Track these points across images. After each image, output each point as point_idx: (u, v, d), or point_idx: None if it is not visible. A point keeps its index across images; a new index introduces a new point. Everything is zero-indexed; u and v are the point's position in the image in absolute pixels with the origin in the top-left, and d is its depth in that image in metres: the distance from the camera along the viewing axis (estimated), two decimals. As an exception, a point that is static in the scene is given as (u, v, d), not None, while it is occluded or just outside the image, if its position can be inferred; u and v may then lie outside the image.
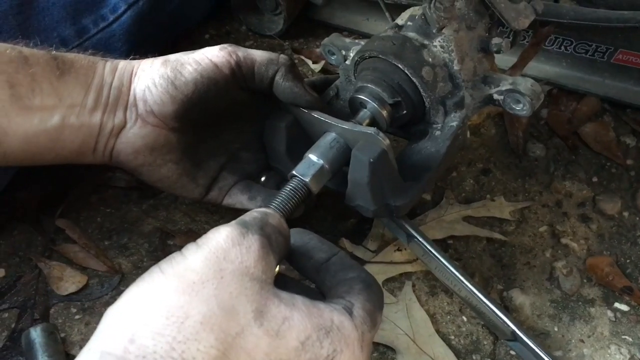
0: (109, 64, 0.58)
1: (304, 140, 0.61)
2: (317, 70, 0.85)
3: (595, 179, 0.75)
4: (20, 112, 0.52)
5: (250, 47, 0.89)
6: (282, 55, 0.59)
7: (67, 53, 0.56)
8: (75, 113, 0.55)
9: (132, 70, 0.57)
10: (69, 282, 0.63)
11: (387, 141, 0.56)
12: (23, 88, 0.52)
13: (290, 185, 0.56)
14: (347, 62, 0.64)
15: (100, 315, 0.60)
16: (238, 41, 0.89)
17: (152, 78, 0.56)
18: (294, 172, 0.57)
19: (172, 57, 0.57)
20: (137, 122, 0.57)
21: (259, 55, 0.58)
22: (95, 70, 0.56)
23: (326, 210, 0.70)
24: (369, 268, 0.66)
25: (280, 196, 0.55)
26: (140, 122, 0.57)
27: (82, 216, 0.68)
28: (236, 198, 0.62)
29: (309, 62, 0.86)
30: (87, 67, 0.56)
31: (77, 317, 0.61)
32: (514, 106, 0.58)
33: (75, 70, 0.55)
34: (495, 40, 0.60)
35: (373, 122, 0.60)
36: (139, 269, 0.65)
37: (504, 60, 0.80)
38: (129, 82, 0.57)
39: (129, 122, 0.57)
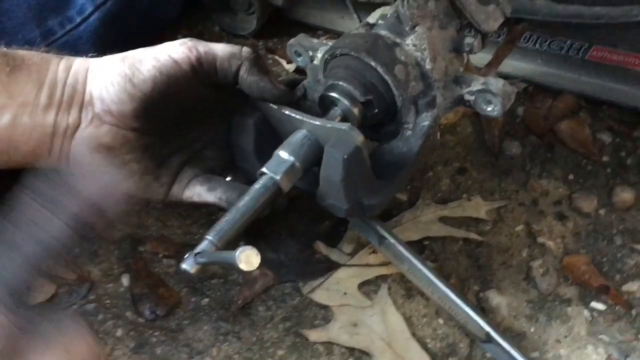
0: (64, 61, 0.56)
1: (273, 138, 0.60)
2: (291, 71, 0.84)
3: (571, 177, 0.75)
4: None
5: (224, 47, 0.88)
6: (245, 48, 0.57)
7: (19, 50, 0.54)
8: (27, 112, 0.53)
9: (88, 68, 0.55)
10: (37, 291, 0.61)
11: (362, 137, 0.55)
12: None
13: (260, 183, 0.55)
14: (315, 62, 0.63)
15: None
16: (211, 41, 0.87)
17: (109, 76, 0.54)
18: (263, 169, 0.56)
19: (131, 53, 0.56)
20: (93, 122, 0.55)
21: (220, 49, 0.56)
22: (48, 67, 0.54)
23: (300, 212, 0.69)
24: (344, 271, 0.65)
25: (248, 195, 0.54)
26: (96, 121, 0.55)
27: (50, 223, 0.67)
28: (194, 190, 0.59)
29: (283, 62, 0.85)
30: (39, 64, 0.54)
31: (44, 327, 0.59)
32: (484, 107, 0.57)
33: (26, 67, 0.53)
34: (468, 40, 0.59)
35: (344, 121, 0.59)
36: (109, 277, 0.63)
37: (479, 57, 0.79)
38: (84, 80, 0.55)
39: (83, 122, 0.55)
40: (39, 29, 0.70)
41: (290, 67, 0.84)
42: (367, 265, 0.66)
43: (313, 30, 0.89)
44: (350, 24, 0.87)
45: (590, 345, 0.61)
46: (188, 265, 0.50)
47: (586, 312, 0.63)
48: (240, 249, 0.45)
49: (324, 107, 0.60)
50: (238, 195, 0.56)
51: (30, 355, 0.41)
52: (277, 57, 0.86)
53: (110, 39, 0.74)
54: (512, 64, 0.81)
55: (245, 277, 0.63)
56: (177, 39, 0.86)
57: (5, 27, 0.68)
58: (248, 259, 0.45)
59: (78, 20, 0.72)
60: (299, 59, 0.66)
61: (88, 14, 0.72)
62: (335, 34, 0.88)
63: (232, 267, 0.46)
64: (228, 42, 0.88)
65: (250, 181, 0.58)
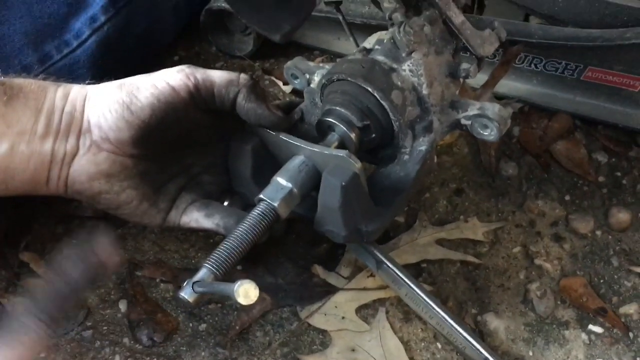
0: (61, 88, 0.56)
1: (270, 163, 0.60)
2: (288, 92, 0.84)
3: (567, 198, 0.75)
4: None
5: (221, 68, 0.88)
6: (242, 75, 0.57)
7: (15, 78, 0.55)
8: (25, 140, 0.53)
9: (86, 95, 0.56)
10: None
11: (359, 164, 0.55)
12: None
13: (258, 210, 0.55)
14: (312, 85, 0.63)
15: (67, 353, 0.59)
16: (208, 62, 0.88)
17: (107, 103, 0.54)
18: (261, 195, 0.56)
19: (128, 80, 0.56)
20: (90, 149, 0.55)
21: (218, 76, 0.56)
22: (45, 95, 0.54)
23: (298, 236, 0.69)
24: (342, 295, 0.65)
25: (246, 222, 0.54)
26: (94, 148, 0.55)
27: (48, 248, 0.67)
28: (192, 215, 0.60)
29: (280, 83, 0.85)
30: (37, 91, 0.54)
31: (41, 355, 0.59)
32: (481, 131, 0.58)
33: (24, 96, 0.53)
34: (464, 65, 0.60)
35: (342, 146, 0.59)
36: (106, 303, 0.63)
37: (475, 78, 0.79)
38: (82, 108, 0.55)
39: (81, 149, 0.55)
40: (36, 53, 0.70)
41: (287, 89, 0.84)
42: (365, 289, 0.65)
43: (309, 51, 0.89)
44: (346, 45, 0.87)
45: (589, 368, 0.61)
46: (187, 294, 0.50)
47: (584, 335, 0.63)
48: (238, 283, 0.45)
49: (321, 131, 0.60)
50: (236, 222, 0.56)
51: None
52: (273, 78, 0.86)
53: (108, 62, 0.74)
54: (508, 85, 0.82)
55: (243, 302, 0.63)
56: (174, 60, 0.88)
57: (1, 52, 0.68)
58: (246, 292, 0.45)
59: (75, 44, 0.72)
60: (295, 82, 0.66)
61: (85, 37, 0.72)
62: (331, 55, 0.89)
63: (230, 299, 0.46)
64: (225, 62, 0.89)
65: (248, 205, 0.58)
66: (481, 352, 0.57)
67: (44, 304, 0.43)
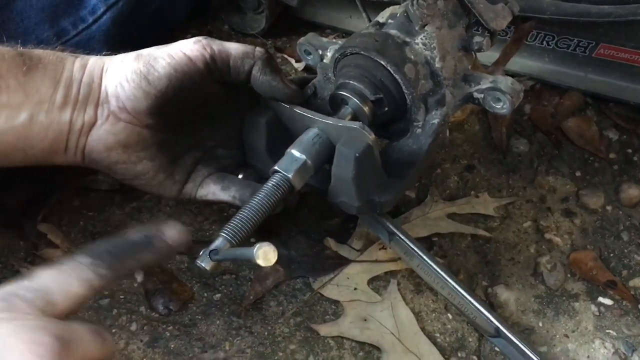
0: (79, 60, 0.57)
1: (284, 137, 0.61)
2: (300, 69, 0.85)
3: (578, 174, 0.75)
4: None
5: (233, 46, 0.89)
6: (258, 48, 0.58)
7: (34, 49, 0.55)
8: (44, 110, 0.54)
9: (103, 66, 0.56)
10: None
11: (373, 135, 0.56)
12: None
13: (272, 181, 0.56)
14: (325, 60, 0.64)
15: (85, 320, 0.60)
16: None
17: (124, 73, 0.55)
18: (275, 167, 0.57)
19: (145, 51, 0.57)
20: (108, 119, 0.56)
21: (234, 48, 0.57)
22: (64, 66, 0.55)
23: (310, 209, 0.70)
24: (354, 267, 0.66)
25: (261, 192, 0.55)
26: (112, 118, 0.56)
27: (65, 220, 0.68)
28: (208, 188, 0.61)
29: (292, 60, 0.86)
30: (55, 62, 0.55)
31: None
32: (494, 104, 0.58)
33: (43, 66, 0.54)
34: (477, 38, 0.60)
35: (355, 119, 0.60)
36: (123, 273, 0.64)
37: (486, 55, 0.80)
38: (99, 78, 0.56)
39: (99, 119, 0.56)
40: (52, 29, 0.70)
41: (299, 66, 0.85)
42: (377, 261, 0.66)
43: (321, 29, 0.90)
44: (358, 23, 0.88)
45: (598, 339, 0.62)
46: (204, 262, 0.51)
47: (593, 307, 0.64)
48: (257, 245, 0.46)
49: (334, 105, 0.61)
50: (251, 194, 0.57)
51: None
52: (285, 56, 0.87)
53: (122, 38, 0.74)
54: (519, 62, 0.82)
55: (257, 273, 0.64)
56: (187, 38, 0.88)
57: (18, 27, 0.69)
58: (266, 255, 0.46)
59: (90, 20, 0.73)
60: (308, 58, 0.67)
61: (100, 14, 0.73)
62: (343, 33, 0.89)
63: (249, 263, 0.47)
64: (237, 41, 0.89)
65: (262, 179, 0.59)
66: (492, 321, 0.57)
67: (100, 251, 0.43)
